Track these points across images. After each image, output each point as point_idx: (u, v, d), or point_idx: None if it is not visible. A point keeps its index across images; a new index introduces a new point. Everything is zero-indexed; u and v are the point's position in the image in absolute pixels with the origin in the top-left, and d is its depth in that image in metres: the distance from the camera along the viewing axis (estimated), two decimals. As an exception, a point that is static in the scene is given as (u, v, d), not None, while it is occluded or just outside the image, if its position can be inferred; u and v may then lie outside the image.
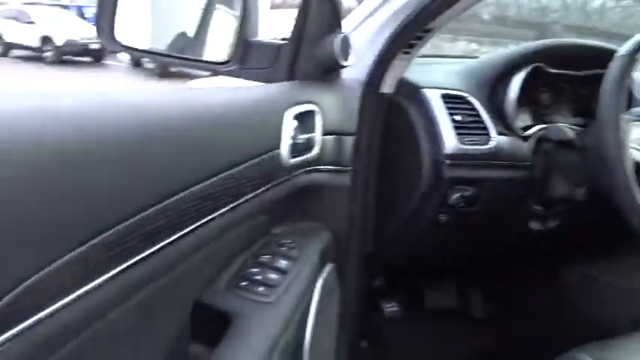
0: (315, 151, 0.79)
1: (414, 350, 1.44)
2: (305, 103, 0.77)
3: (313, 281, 0.78)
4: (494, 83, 1.08)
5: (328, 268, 0.85)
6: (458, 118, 0.99)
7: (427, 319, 1.47)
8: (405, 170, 1.02)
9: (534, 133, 1.07)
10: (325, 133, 0.81)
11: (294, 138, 0.74)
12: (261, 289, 0.66)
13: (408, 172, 1.01)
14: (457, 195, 1.00)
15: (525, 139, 1.06)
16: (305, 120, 0.78)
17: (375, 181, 1.06)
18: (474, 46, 3.39)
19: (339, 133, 0.83)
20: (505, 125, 1.05)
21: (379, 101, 1.01)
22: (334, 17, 0.83)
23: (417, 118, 0.99)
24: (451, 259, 1.27)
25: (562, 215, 1.16)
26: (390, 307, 1.25)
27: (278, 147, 0.70)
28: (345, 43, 0.83)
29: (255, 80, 0.85)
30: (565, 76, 1.10)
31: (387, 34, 0.91)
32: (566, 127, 1.06)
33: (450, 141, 0.96)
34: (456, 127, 0.98)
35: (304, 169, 0.79)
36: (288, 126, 0.72)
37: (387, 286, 1.30)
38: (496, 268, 1.50)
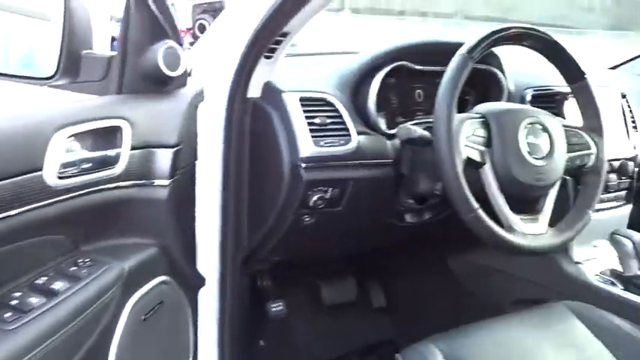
0: (120, 167, 0.77)
1: (315, 345, 1.46)
2: (108, 118, 0.75)
3: (113, 298, 0.75)
4: (358, 82, 1.08)
5: (154, 282, 0.83)
6: (317, 120, 0.99)
7: (326, 313, 1.49)
8: (270, 175, 1.02)
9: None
10: (136, 148, 0.79)
11: (69, 158, 0.71)
12: (7, 314, 0.62)
13: (273, 176, 1.01)
14: (316, 197, 1.00)
15: (391, 137, 1.07)
16: (106, 136, 0.76)
17: (246, 187, 1.05)
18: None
19: (154, 146, 0.81)
20: (368, 125, 1.05)
21: (245, 106, 1.00)
22: (157, 27, 0.81)
23: (278, 123, 0.99)
24: (325, 256, 1.27)
25: (435, 208, 1.19)
26: (276, 307, 1.26)
27: (41, 168, 0.67)
28: (171, 53, 0.81)
29: (88, 93, 0.83)
30: (433, 72, 1.11)
31: (245, 40, 0.90)
32: (426, 123, 1.07)
33: (306, 144, 0.96)
34: (314, 130, 0.98)
35: (104, 187, 0.76)
36: (57, 146, 0.69)
37: (274, 286, 1.30)
38: (391, 260, 1.53)
